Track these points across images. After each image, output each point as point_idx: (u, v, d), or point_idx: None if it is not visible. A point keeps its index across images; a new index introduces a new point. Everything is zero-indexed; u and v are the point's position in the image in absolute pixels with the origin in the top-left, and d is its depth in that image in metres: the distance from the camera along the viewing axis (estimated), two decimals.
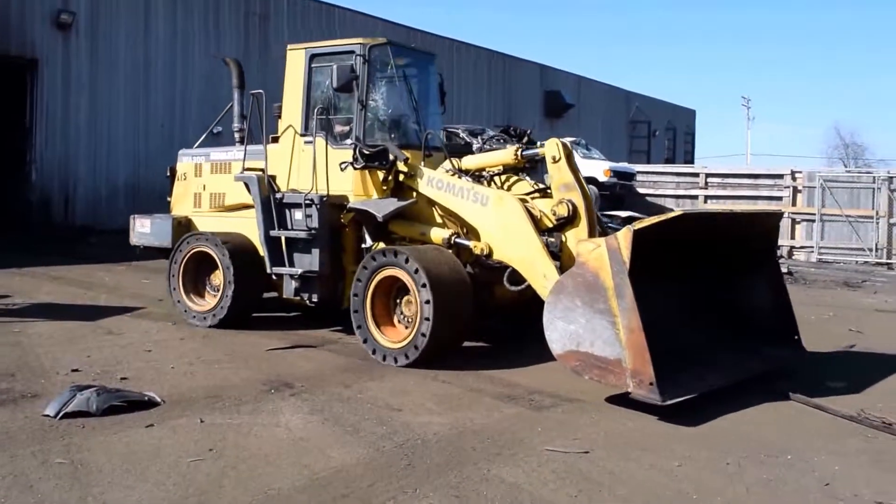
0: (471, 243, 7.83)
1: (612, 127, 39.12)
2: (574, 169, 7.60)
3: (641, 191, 24.13)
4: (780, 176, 22.23)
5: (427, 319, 7.19)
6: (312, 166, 8.47)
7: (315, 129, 8.52)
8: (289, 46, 9.15)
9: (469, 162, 8.38)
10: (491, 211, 7.66)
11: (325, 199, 8.35)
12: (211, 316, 8.99)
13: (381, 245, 8.22)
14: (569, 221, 7.39)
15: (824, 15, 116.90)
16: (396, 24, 27.76)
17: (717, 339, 7.16)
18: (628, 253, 5.90)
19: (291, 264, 8.64)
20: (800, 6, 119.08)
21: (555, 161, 7.65)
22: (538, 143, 8.03)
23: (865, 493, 4.67)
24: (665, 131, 42.85)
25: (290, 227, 8.60)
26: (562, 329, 6.18)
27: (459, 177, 8.13)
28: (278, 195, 8.65)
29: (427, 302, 7.18)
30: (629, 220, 11.97)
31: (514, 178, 8.28)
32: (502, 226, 7.57)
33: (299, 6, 24.42)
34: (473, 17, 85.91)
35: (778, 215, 8.46)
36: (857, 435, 5.81)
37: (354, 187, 8.47)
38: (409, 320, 7.57)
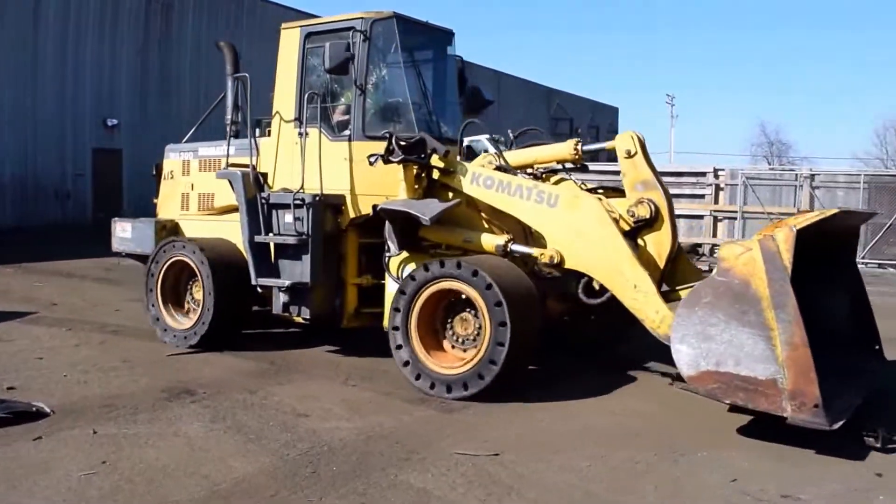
0: (534, 250, 7.03)
1: (533, 124, 39.63)
2: (651, 165, 7.10)
3: None
4: (703, 174, 22.73)
5: (501, 345, 6.28)
6: (302, 161, 7.77)
7: (306, 119, 7.82)
8: (283, 25, 8.36)
9: (518, 157, 7.81)
10: (562, 213, 6.89)
11: (318, 198, 7.57)
12: (192, 334, 8.12)
13: (405, 254, 7.41)
14: (648, 224, 6.88)
15: (749, 14, 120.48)
16: (312, 15, 27.66)
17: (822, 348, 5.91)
18: (790, 256, 5.26)
19: (279, 275, 7.84)
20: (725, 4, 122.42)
21: (629, 156, 7.07)
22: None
23: (771, 488, 4.79)
24: (588, 129, 43.45)
25: (278, 231, 7.82)
26: (696, 347, 5.49)
27: (515, 174, 7.47)
28: (265, 195, 7.90)
29: (502, 325, 6.27)
30: None
31: (557, 176, 7.73)
32: (578, 229, 6.79)
33: None
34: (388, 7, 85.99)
35: (865, 215, 8.03)
36: (764, 431, 5.83)
37: (359, 185, 7.69)
38: (464, 342, 6.79)
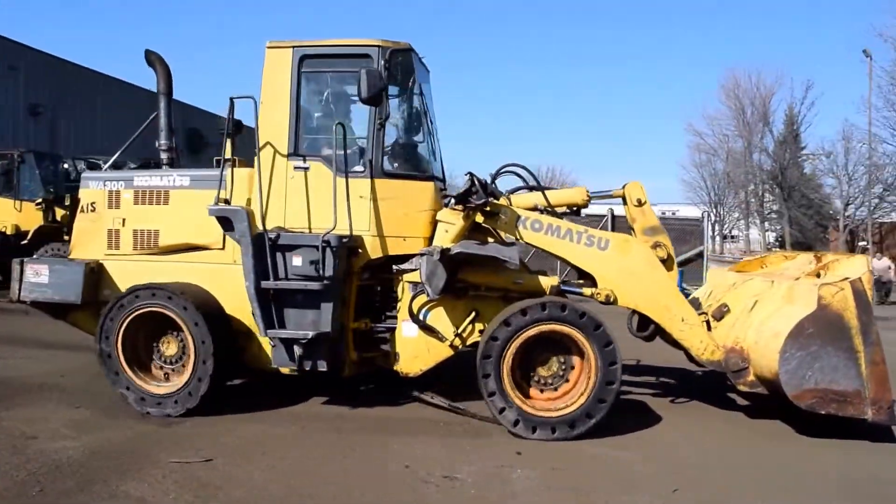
0: (585, 290, 7.54)
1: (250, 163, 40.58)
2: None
3: None
4: None
5: (611, 384, 6.78)
6: (306, 198, 7.30)
7: (305, 152, 7.38)
8: (269, 43, 7.51)
9: (530, 199, 7.96)
10: (613, 255, 7.43)
11: (344, 240, 7.15)
12: (173, 403, 7.17)
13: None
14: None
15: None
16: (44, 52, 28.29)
17: None
18: (871, 293, 6.78)
19: (289, 325, 7.20)
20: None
21: (640, 204, 7.87)
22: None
23: (437, 470, 5.87)
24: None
25: (285, 275, 7.15)
26: (801, 371, 6.64)
27: (561, 217, 7.77)
28: (271, 234, 7.14)
29: (612, 364, 6.77)
30: None
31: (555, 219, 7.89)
32: (629, 270, 7.40)
33: None
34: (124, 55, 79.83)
35: None
36: (434, 425, 7.16)
37: (383, 225, 7.37)
38: (549, 383, 7.08)
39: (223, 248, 7.65)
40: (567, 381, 7.05)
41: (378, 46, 7.29)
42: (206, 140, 36.07)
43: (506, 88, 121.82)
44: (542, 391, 7.07)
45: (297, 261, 7.08)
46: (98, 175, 8.34)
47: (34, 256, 13.94)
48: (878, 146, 40.10)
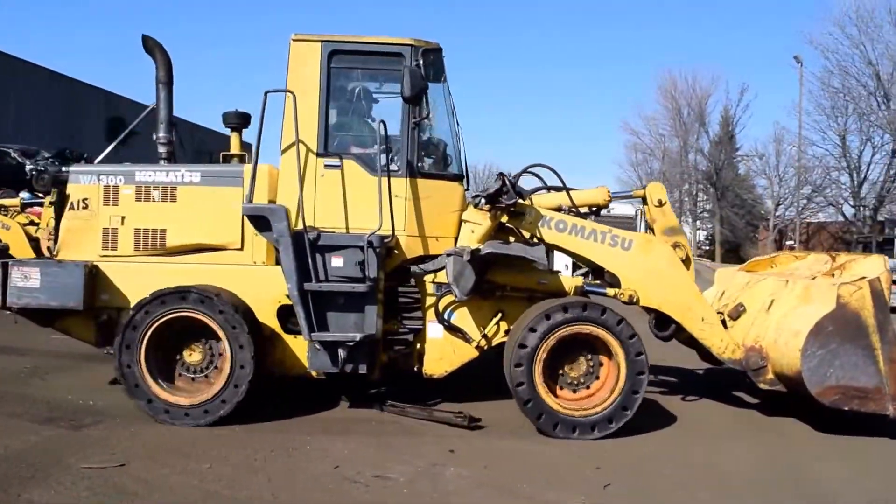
0: (608, 290, 7.57)
1: (180, 157, 39.59)
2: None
3: None
4: None
5: (636, 393, 6.83)
6: (339, 196, 7.16)
7: (336, 150, 7.26)
8: (294, 36, 7.28)
9: (553, 199, 7.96)
10: (637, 255, 7.46)
11: (386, 240, 7.05)
12: (202, 413, 6.77)
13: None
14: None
15: None
16: None
17: None
18: (888, 293, 6.91)
19: (325, 328, 7.01)
20: None
21: (660, 205, 7.95)
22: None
23: (367, 470, 5.77)
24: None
25: (325, 276, 7.00)
26: (822, 368, 6.77)
27: (585, 217, 7.80)
28: (311, 234, 6.98)
29: (640, 374, 6.82)
30: None
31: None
32: (651, 270, 7.45)
33: None
34: (38, 36, 76.70)
35: None
36: (366, 424, 7.07)
37: (419, 225, 7.34)
38: (575, 384, 7.07)
39: (241, 249, 7.39)
40: (592, 383, 7.08)
41: (411, 46, 7.26)
42: (132, 129, 34.73)
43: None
44: (573, 391, 7.08)
45: (338, 261, 6.98)
46: (90, 169, 7.69)
47: None
48: (807, 148, 41.29)
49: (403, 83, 6.90)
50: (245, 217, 7.16)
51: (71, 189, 7.53)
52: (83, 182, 7.51)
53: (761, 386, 7.40)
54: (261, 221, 7.02)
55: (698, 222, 57.70)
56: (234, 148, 8.46)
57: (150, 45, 7.96)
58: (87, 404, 7.36)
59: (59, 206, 7.64)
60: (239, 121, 8.43)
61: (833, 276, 7.67)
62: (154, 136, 7.99)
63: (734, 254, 47.74)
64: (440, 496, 5.38)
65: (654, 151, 59.12)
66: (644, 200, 8.24)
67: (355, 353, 7.05)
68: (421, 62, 7.20)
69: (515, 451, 6.47)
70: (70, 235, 7.48)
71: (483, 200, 7.23)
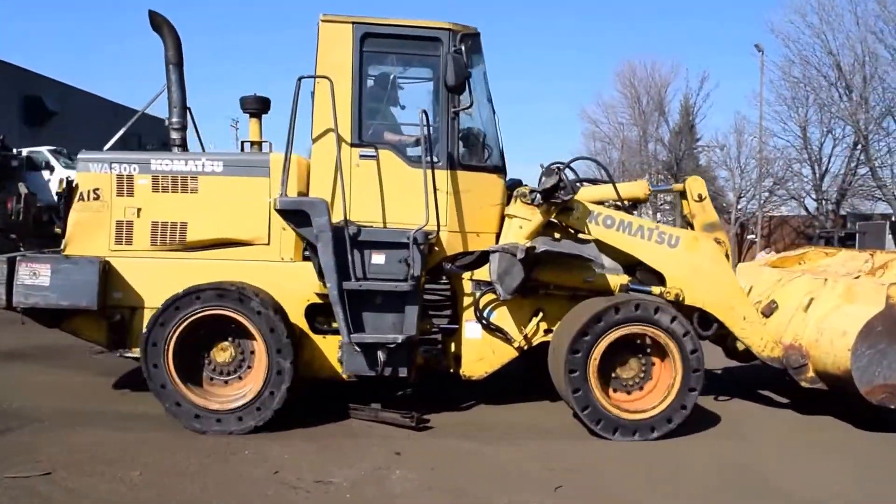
0: (653, 288, 7.36)
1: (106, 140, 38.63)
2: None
3: None
4: None
5: (693, 391, 6.71)
6: (375, 189, 6.83)
7: (371, 139, 6.94)
8: (323, 16, 6.91)
9: (596, 193, 7.82)
10: (683, 253, 7.36)
11: (430, 237, 6.77)
12: (236, 420, 6.45)
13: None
14: None
15: None
16: None
17: None
18: None
19: (361, 329, 6.70)
20: None
21: (700, 199, 7.85)
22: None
23: (308, 475, 5.57)
24: (161, 146, 43.34)
25: (363, 274, 6.70)
26: (872, 368, 6.78)
27: (629, 211, 7.67)
28: (352, 230, 6.65)
29: (695, 371, 6.69)
30: None
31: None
32: (697, 268, 7.36)
33: None
34: None
35: None
36: (308, 427, 6.76)
37: (462, 221, 7.05)
38: (630, 386, 6.92)
39: (268, 244, 7.03)
40: (646, 384, 6.96)
41: (450, 30, 6.94)
42: (49, 109, 33.78)
43: None
44: (626, 392, 6.95)
45: (379, 258, 6.69)
46: (101, 156, 7.19)
47: None
48: (768, 140, 41.57)
49: (446, 71, 6.62)
50: (274, 211, 6.80)
51: (80, 178, 7.07)
52: (93, 170, 7.06)
53: (802, 384, 7.38)
54: (297, 216, 6.67)
55: (658, 214, 58.07)
56: (254, 135, 7.96)
57: (158, 22, 7.54)
58: (12, 407, 7.07)
59: (67, 196, 7.15)
60: (258, 106, 7.94)
61: (875, 275, 7.70)
62: (166, 121, 7.59)
63: None
64: (386, 500, 5.23)
65: (614, 140, 59.13)
66: (683, 195, 8.10)
67: (395, 356, 6.73)
68: (461, 48, 6.87)
69: (463, 451, 6.32)
70: (79, 229, 7.05)
71: (539, 196, 6.97)
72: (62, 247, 7.12)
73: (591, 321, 6.61)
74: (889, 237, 30.93)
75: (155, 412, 6.69)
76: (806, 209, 42.33)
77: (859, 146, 35.15)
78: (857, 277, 7.67)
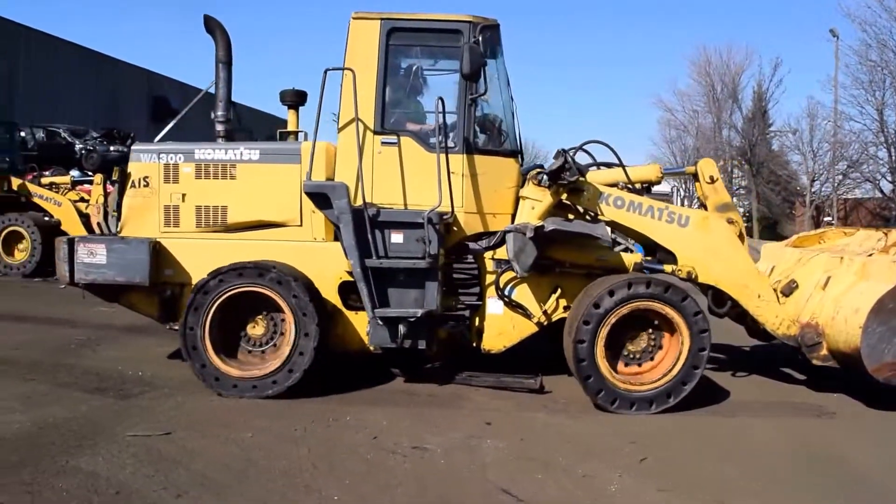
0: (666, 266, 7.54)
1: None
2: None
3: None
4: None
5: (696, 368, 6.82)
6: (396, 173, 7.19)
7: (393, 127, 7.27)
8: (354, 14, 7.31)
9: (608, 176, 7.97)
10: (693, 232, 7.49)
11: (445, 217, 7.12)
12: (271, 384, 6.83)
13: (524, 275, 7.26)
14: None
15: None
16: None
17: None
18: None
19: (386, 304, 7.12)
20: None
21: (712, 181, 8.00)
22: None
23: (405, 441, 5.85)
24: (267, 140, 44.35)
25: (385, 253, 7.13)
26: (881, 345, 6.73)
27: (641, 193, 7.81)
28: (371, 211, 7.11)
29: (702, 350, 6.82)
30: None
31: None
32: (709, 247, 7.48)
33: None
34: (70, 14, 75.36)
35: None
36: (403, 396, 7.13)
37: (477, 202, 7.33)
38: (637, 359, 7.08)
39: (301, 225, 7.51)
40: (652, 359, 7.11)
41: (469, 22, 7.23)
42: (174, 108, 35.12)
43: None
44: (636, 365, 7.10)
45: (398, 237, 7.09)
46: (151, 147, 7.81)
47: None
48: (844, 123, 40.30)
49: (462, 60, 6.89)
50: (304, 194, 7.24)
51: (132, 167, 7.66)
52: (144, 160, 7.63)
53: (814, 362, 7.39)
54: (321, 198, 7.14)
55: (735, 199, 56.81)
56: (291, 125, 8.53)
57: (212, 26, 8.08)
58: (136, 375, 7.57)
59: (121, 184, 7.75)
60: (296, 99, 8.46)
61: (888, 252, 7.63)
62: (212, 115, 8.07)
63: (772, 230, 46.93)
64: (477, 468, 5.42)
65: (688, 128, 58.14)
66: (696, 177, 8.24)
67: (415, 329, 7.14)
68: (480, 39, 7.14)
69: (550, 424, 6.54)
70: (132, 213, 7.62)
71: (546, 177, 7.21)
72: (118, 229, 7.73)
73: (603, 295, 6.83)
74: None
75: None
76: (881, 191, 40.99)
77: None
78: (870, 255, 7.63)
